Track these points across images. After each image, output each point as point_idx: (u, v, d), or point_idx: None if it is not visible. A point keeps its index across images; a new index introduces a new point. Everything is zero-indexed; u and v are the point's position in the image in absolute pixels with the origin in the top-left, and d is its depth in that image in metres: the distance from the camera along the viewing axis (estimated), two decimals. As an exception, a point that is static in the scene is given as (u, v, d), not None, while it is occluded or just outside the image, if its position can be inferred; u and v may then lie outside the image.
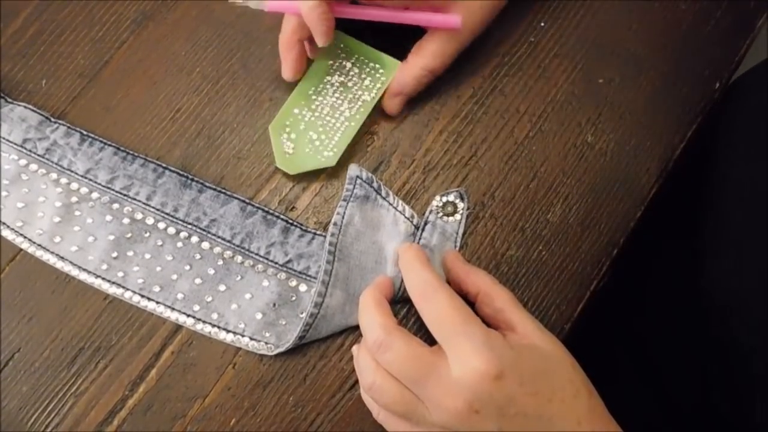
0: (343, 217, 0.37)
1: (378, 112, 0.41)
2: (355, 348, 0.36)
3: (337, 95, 0.40)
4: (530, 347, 0.32)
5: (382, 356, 0.31)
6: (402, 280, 0.37)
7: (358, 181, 0.38)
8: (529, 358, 0.31)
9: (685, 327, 0.43)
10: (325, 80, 0.41)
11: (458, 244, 0.38)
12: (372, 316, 0.33)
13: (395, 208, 0.38)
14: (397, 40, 0.40)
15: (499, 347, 0.30)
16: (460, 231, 0.38)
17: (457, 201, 0.39)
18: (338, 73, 0.41)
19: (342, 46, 0.41)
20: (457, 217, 0.39)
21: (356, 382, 0.36)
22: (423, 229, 0.38)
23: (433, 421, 0.30)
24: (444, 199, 0.39)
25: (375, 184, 0.38)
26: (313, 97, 0.40)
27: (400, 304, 0.38)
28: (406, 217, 0.38)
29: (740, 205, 0.40)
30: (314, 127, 0.40)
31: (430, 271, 0.34)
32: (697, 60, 0.42)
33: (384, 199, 0.38)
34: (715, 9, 0.43)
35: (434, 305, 0.32)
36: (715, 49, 0.42)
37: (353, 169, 0.38)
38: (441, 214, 0.38)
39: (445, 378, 0.30)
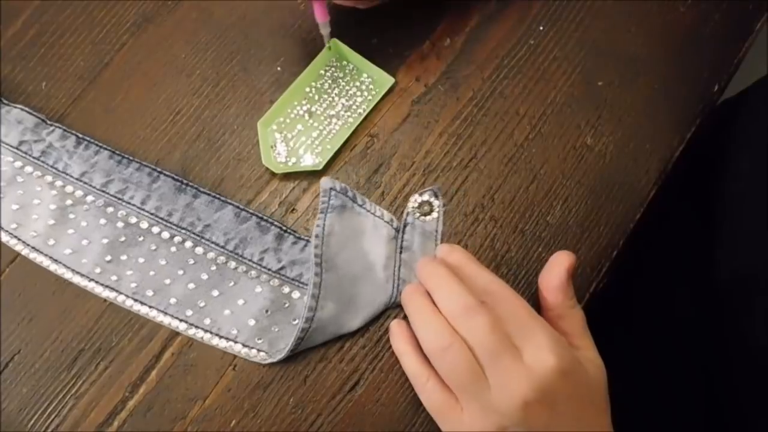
0: (323, 229, 0.37)
1: (378, 115, 0.41)
2: (395, 322, 0.36)
3: (330, 101, 0.41)
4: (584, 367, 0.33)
5: (472, 318, 0.32)
6: (400, 284, 0.37)
7: (332, 192, 0.37)
8: (582, 375, 0.33)
9: (685, 328, 0.43)
10: (319, 85, 0.41)
11: (438, 242, 0.38)
12: (460, 287, 0.33)
13: (373, 214, 0.38)
14: (397, 50, 0.40)
15: (568, 348, 0.32)
16: (440, 229, 0.38)
17: (432, 199, 0.39)
18: (332, 80, 0.41)
19: (338, 55, 0.41)
20: (434, 215, 0.39)
21: (356, 383, 0.36)
22: (404, 231, 0.38)
23: (490, 400, 0.31)
24: (420, 198, 0.39)
25: (350, 194, 0.38)
26: (306, 100, 0.41)
27: (399, 307, 0.38)
28: (385, 222, 0.38)
29: (744, 207, 0.40)
30: (305, 129, 0.40)
31: (488, 273, 0.35)
32: (696, 62, 0.42)
33: (361, 206, 0.38)
34: (713, 11, 0.43)
35: (508, 301, 0.33)
36: (714, 51, 0.42)
37: (326, 182, 0.37)
38: (418, 214, 0.38)
39: (518, 361, 0.31)
